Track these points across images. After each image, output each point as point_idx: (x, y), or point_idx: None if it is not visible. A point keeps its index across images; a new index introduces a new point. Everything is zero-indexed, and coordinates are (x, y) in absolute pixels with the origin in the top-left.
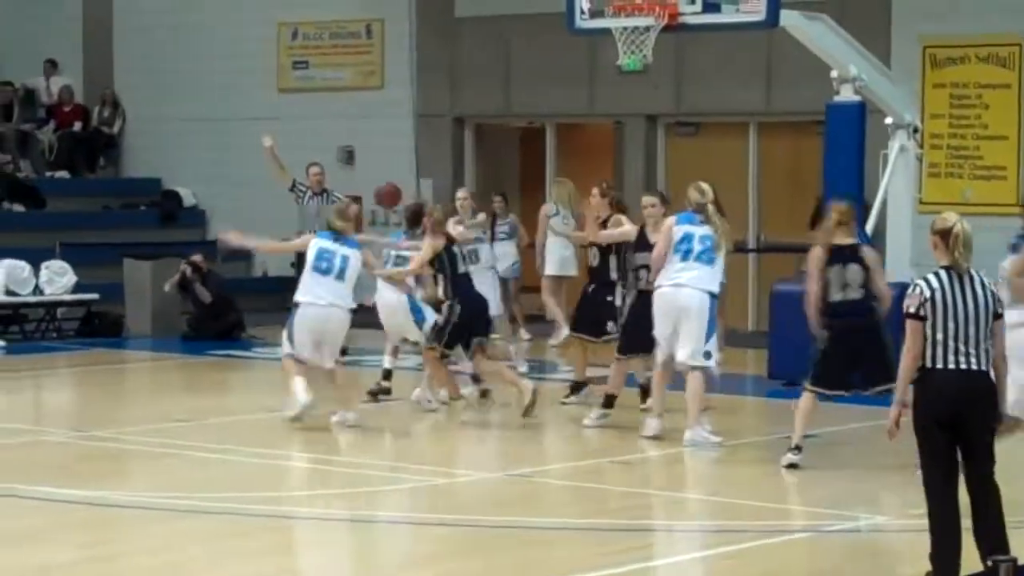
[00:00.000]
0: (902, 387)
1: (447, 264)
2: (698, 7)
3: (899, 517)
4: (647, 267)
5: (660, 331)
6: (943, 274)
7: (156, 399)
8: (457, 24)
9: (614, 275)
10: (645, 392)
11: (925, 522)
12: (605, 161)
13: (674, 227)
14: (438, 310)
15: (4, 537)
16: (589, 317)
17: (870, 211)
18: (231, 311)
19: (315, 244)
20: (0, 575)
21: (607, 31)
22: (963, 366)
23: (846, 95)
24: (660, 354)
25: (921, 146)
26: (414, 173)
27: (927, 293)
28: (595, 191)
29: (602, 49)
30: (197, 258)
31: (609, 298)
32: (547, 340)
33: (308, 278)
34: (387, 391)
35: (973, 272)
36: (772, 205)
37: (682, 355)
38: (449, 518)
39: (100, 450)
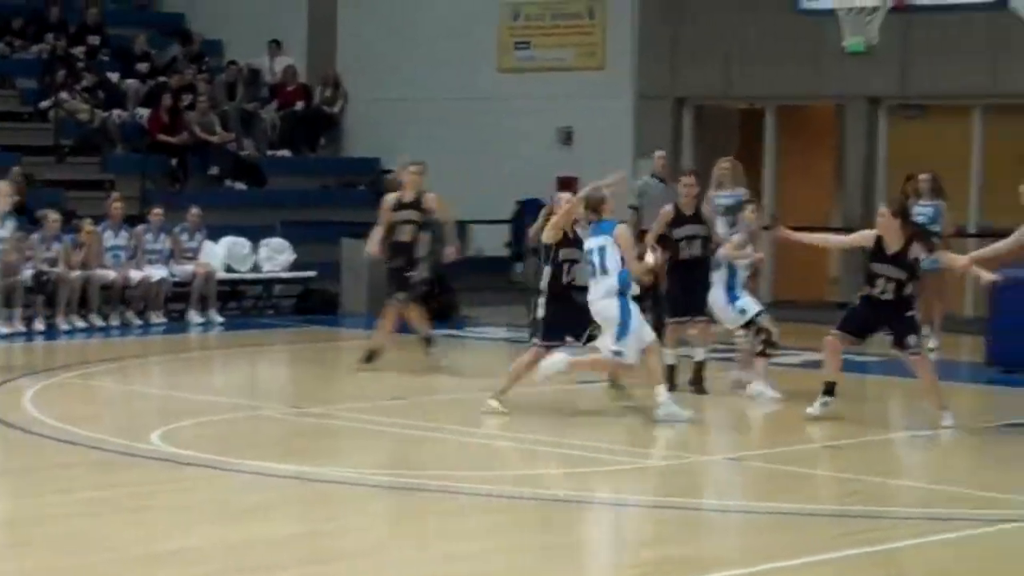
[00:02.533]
0: None
1: None
2: None
3: None
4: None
5: None
6: None
7: (370, 377)
8: (679, 5)
9: None
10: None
11: None
12: (826, 144)
13: None
14: None
15: (226, 511)
16: None
17: None
18: (445, 291)
19: None
20: (225, 547)
21: (831, 12)
22: None
23: None
24: None
25: None
26: (631, 154)
27: None
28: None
29: (826, 30)
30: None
31: None
32: None
33: None
34: None
35: None
36: (996, 190)
37: None
38: (671, 500)
39: (314, 427)
